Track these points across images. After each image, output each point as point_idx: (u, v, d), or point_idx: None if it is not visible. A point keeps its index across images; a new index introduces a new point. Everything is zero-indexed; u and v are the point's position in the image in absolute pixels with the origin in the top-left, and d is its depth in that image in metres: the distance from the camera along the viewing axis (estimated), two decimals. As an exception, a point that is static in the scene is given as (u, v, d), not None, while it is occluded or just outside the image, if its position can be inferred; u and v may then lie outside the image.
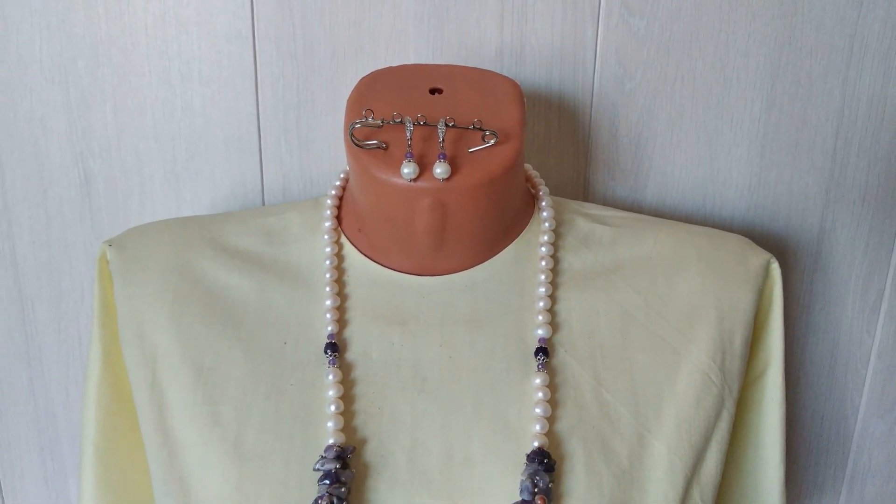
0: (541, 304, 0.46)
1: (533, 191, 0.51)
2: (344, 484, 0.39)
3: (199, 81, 0.59)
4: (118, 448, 0.50)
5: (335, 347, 0.44)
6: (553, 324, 0.45)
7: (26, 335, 0.66)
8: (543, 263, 0.47)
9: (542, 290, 0.46)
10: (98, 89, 0.59)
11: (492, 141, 0.42)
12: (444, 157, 0.41)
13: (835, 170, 0.62)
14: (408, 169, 0.41)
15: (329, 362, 0.43)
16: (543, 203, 0.49)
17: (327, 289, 0.46)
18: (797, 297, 0.65)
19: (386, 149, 0.43)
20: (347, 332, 0.45)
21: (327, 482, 0.38)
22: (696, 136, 0.61)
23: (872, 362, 0.68)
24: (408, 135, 0.42)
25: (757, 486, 0.51)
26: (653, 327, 0.46)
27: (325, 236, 0.48)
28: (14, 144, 0.61)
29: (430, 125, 0.42)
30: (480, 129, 0.42)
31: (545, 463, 0.39)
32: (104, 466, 0.50)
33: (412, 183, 0.42)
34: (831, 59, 0.59)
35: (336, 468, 0.39)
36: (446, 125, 0.42)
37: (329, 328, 0.44)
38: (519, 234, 0.48)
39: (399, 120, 0.42)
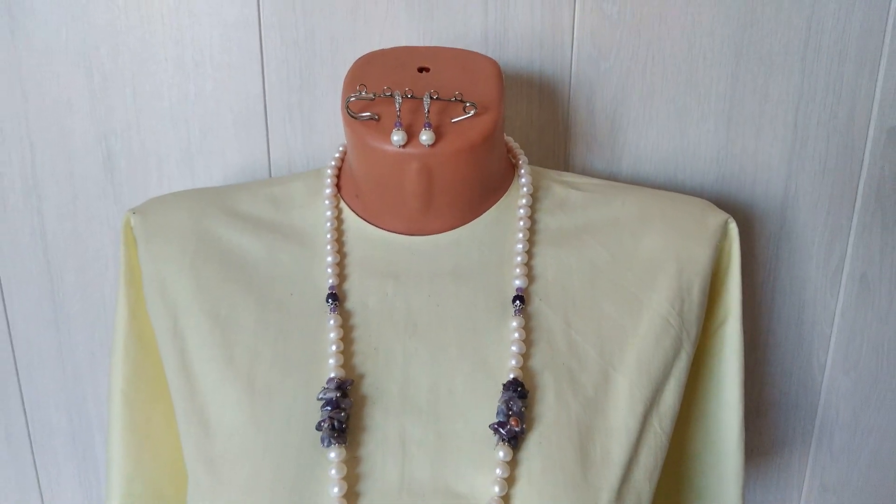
0: (518, 258, 0.51)
1: (514, 160, 0.56)
2: (343, 410, 0.44)
3: (210, 67, 0.64)
4: (143, 394, 0.56)
5: (336, 297, 0.49)
6: (529, 276, 0.51)
7: (54, 302, 0.71)
8: (521, 223, 0.52)
9: (520, 246, 0.51)
10: (118, 75, 0.64)
11: (472, 112, 0.48)
12: (430, 126, 0.47)
13: (796, 142, 0.67)
14: (397, 136, 0.47)
15: (330, 310, 0.49)
16: (522, 171, 0.55)
17: (328, 247, 0.51)
18: (764, 261, 0.70)
19: (378, 120, 0.48)
20: (346, 285, 0.50)
21: (329, 408, 0.44)
22: (667, 112, 0.66)
23: (837, 322, 0.72)
24: (397, 107, 0.47)
25: (718, 424, 0.56)
26: (619, 279, 0.51)
27: (326, 202, 0.53)
28: (42, 126, 0.66)
29: (416, 98, 0.48)
30: (461, 101, 0.48)
31: (519, 391, 0.45)
32: (131, 411, 0.56)
33: (401, 149, 0.47)
34: (790, 39, 0.64)
35: (337, 396, 0.44)
36: (431, 98, 0.47)
37: (330, 281, 0.50)
38: (500, 199, 0.53)
39: (389, 94, 0.48)
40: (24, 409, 0.75)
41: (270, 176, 0.67)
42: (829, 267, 0.70)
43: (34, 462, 0.77)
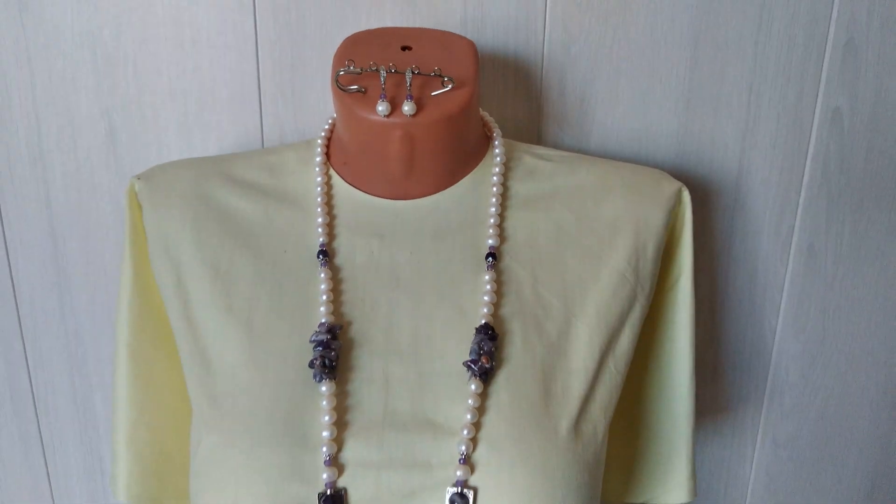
0: (491, 220, 0.56)
1: (488, 133, 0.62)
2: (333, 350, 0.49)
3: (207, 46, 0.69)
4: (146, 346, 0.61)
5: (326, 254, 0.54)
6: (501, 236, 0.56)
7: (58, 267, 0.76)
8: (495, 189, 0.58)
9: (493, 210, 0.57)
10: (121, 53, 0.69)
11: (450, 86, 0.53)
12: (411, 98, 0.52)
13: (749, 120, 0.72)
14: (381, 107, 0.52)
15: (321, 264, 0.54)
16: (496, 143, 0.60)
17: (318, 209, 0.56)
18: (719, 232, 0.76)
19: (364, 92, 0.53)
20: (335, 243, 0.56)
21: (320, 348, 0.49)
22: (631, 93, 0.71)
23: (786, 289, 0.79)
24: (382, 80, 0.52)
25: (671, 371, 0.62)
26: (582, 239, 0.57)
27: (317, 168, 0.58)
28: (49, 101, 0.70)
29: (399, 73, 0.53)
30: (440, 76, 0.53)
31: (489, 334, 0.50)
32: (135, 361, 0.60)
33: (386, 119, 0.52)
34: (744, 26, 0.69)
35: (327, 338, 0.50)
36: (413, 73, 0.53)
37: (321, 239, 0.55)
38: (475, 167, 0.59)
39: (375, 68, 0.53)
40: (28, 369, 0.79)
41: (260, 148, 0.71)
42: (779, 237, 0.76)
43: (37, 420, 0.81)
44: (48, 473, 0.83)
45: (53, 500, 0.84)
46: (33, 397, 0.80)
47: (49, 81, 0.69)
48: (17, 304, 0.77)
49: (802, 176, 0.74)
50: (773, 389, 0.82)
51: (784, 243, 0.76)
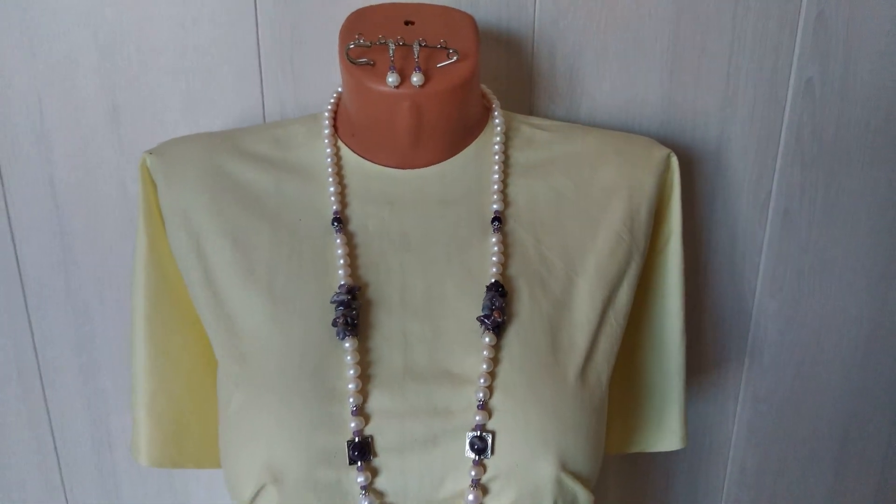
0: (495, 187, 0.59)
1: (488, 105, 0.65)
2: (354, 309, 0.52)
3: (208, 24, 0.70)
4: (163, 317, 0.63)
5: (340, 221, 0.57)
6: (504, 201, 0.59)
7: (63, 246, 0.77)
8: (497, 157, 0.61)
9: (496, 177, 0.60)
10: (123, 32, 0.70)
11: (454, 57, 0.56)
12: (420, 69, 0.55)
13: (728, 91, 0.76)
14: (391, 78, 0.54)
15: (336, 230, 0.56)
16: (496, 114, 0.63)
17: (330, 179, 0.59)
18: (701, 197, 0.80)
19: (374, 65, 0.56)
20: (348, 211, 0.58)
21: (342, 308, 0.52)
22: (618, 66, 0.75)
23: (765, 251, 0.83)
24: (391, 53, 0.55)
25: (663, 328, 0.66)
26: (580, 203, 0.60)
27: (326, 140, 0.61)
28: (52, 81, 0.71)
29: (407, 45, 0.56)
30: (445, 49, 0.56)
31: (500, 290, 0.53)
32: (152, 332, 0.62)
33: (395, 90, 0.55)
34: (722, 1, 0.73)
35: (348, 298, 0.52)
36: (420, 45, 0.55)
37: (334, 207, 0.58)
38: (477, 137, 0.61)
39: (384, 41, 0.55)
40: (35, 347, 0.81)
41: (265, 122, 0.73)
42: (758, 202, 0.81)
43: (44, 397, 0.83)
44: (55, 448, 0.85)
45: (62, 475, 0.86)
46: (40, 375, 0.82)
47: (51, 62, 0.71)
48: (22, 283, 0.78)
49: (778, 144, 0.79)
50: (753, 348, 0.87)
51: (762, 208, 0.81)
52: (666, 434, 0.67)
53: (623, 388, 0.67)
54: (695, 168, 0.79)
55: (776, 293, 0.85)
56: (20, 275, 0.78)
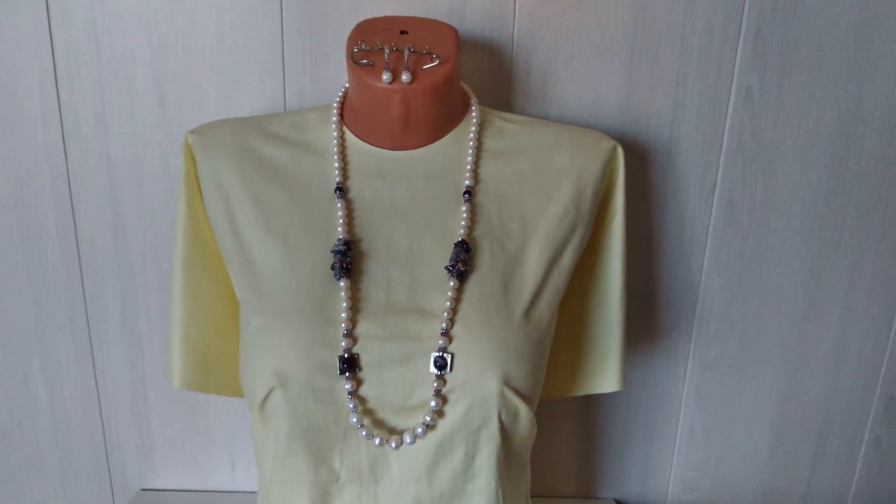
0: (468, 167, 0.73)
1: (468, 101, 0.78)
2: (349, 258, 0.66)
3: (242, 29, 0.84)
4: (197, 265, 0.76)
5: (342, 190, 0.71)
6: (475, 179, 0.73)
7: (114, 211, 0.91)
8: (471, 144, 0.74)
9: (470, 159, 0.73)
10: (172, 32, 0.84)
11: (437, 61, 0.70)
12: (408, 70, 0.69)
13: (678, 96, 0.89)
14: (385, 76, 0.68)
15: (338, 197, 0.70)
16: (473, 108, 0.76)
17: (335, 157, 0.73)
18: (654, 187, 0.93)
19: (372, 66, 0.70)
20: (349, 183, 0.72)
21: (339, 255, 0.66)
22: (584, 73, 0.88)
23: (710, 234, 0.95)
24: (385, 56, 0.69)
25: (606, 289, 0.78)
26: (537, 181, 0.73)
27: (333, 126, 0.75)
28: (111, 73, 0.86)
29: (399, 50, 0.70)
30: (430, 54, 0.69)
31: (465, 247, 0.67)
32: (188, 277, 0.76)
33: (388, 86, 0.69)
34: (673, 21, 0.85)
35: (344, 249, 0.66)
36: (409, 51, 0.69)
37: (337, 179, 0.71)
38: (456, 127, 0.75)
39: (381, 47, 0.69)
40: (84, 298, 0.95)
41: (285, 111, 0.87)
42: (704, 192, 0.93)
43: (90, 342, 0.97)
44: (97, 384, 0.99)
45: (101, 408, 1.00)
46: (88, 324, 0.96)
47: (111, 57, 0.85)
48: (77, 242, 0.92)
49: (722, 142, 0.91)
50: (701, 320, 0.98)
51: (707, 197, 0.93)
52: (608, 378, 0.80)
53: (572, 338, 0.80)
54: (649, 162, 0.91)
55: (721, 272, 0.96)
56: (76, 234, 0.92)
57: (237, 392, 0.78)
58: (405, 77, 0.68)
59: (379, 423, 0.64)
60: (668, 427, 1.02)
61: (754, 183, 0.92)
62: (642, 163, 0.91)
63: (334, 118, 0.75)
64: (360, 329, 0.64)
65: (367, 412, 0.63)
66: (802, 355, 1.00)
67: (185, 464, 1.02)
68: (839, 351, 1.00)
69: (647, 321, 0.97)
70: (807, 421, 1.03)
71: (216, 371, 0.78)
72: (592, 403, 1.01)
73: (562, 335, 0.77)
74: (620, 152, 0.77)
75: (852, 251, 0.95)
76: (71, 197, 0.90)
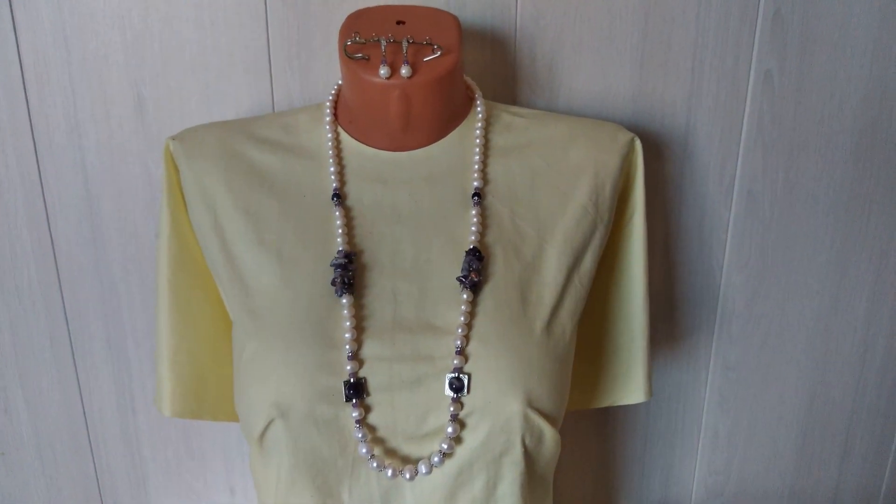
0: (476, 167, 0.67)
1: (471, 95, 0.72)
2: (350, 271, 0.60)
3: (223, 25, 0.78)
4: (184, 282, 0.71)
5: (339, 196, 0.65)
6: (484, 179, 0.67)
7: (93, 225, 0.85)
8: (478, 141, 0.68)
9: (477, 157, 0.68)
10: (147, 32, 0.78)
11: (438, 52, 0.64)
12: (407, 63, 0.63)
13: (693, 83, 0.84)
14: (383, 70, 0.62)
15: (336, 204, 0.64)
16: (478, 102, 0.71)
17: (330, 160, 0.67)
18: (671, 180, 0.88)
19: (368, 60, 0.64)
20: (346, 188, 0.66)
21: (340, 269, 0.60)
22: (592, 60, 0.82)
23: (730, 229, 0.90)
24: (382, 48, 0.63)
25: (629, 293, 0.73)
26: (552, 180, 0.68)
27: (327, 126, 0.69)
28: (84, 76, 0.80)
29: (397, 42, 0.64)
30: (430, 45, 0.64)
31: (477, 255, 0.61)
32: (175, 295, 0.71)
33: (386, 81, 0.63)
34: (687, 1, 0.80)
35: (345, 262, 0.60)
36: (408, 42, 0.63)
37: (334, 185, 0.66)
38: (461, 123, 0.69)
39: (377, 39, 0.63)
40: (66, 318, 0.89)
41: (274, 112, 0.81)
42: (723, 184, 0.88)
43: (75, 364, 0.91)
44: (84, 411, 0.93)
45: (89, 436, 0.94)
46: (71, 345, 0.90)
47: (83, 58, 0.79)
48: (55, 260, 0.86)
49: (741, 130, 0.86)
50: (722, 319, 0.94)
51: (727, 189, 0.88)
52: (633, 389, 0.75)
53: (592, 347, 0.75)
54: (664, 153, 0.86)
55: (742, 268, 0.92)
56: (54, 251, 0.86)
57: (233, 417, 0.72)
58: (404, 71, 0.62)
59: (391, 453, 0.58)
60: (691, 431, 0.98)
61: (775, 172, 0.87)
62: (657, 155, 0.86)
63: (327, 118, 0.69)
64: (366, 350, 0.59)
65: (377, 441, 0.58)
66: (828, 352, 0.96)
67: (181, 491, 0.96)
68: (866, 346, 0.96)
69: (666, 322, 0.93)
70: (834, 420, 1.00)
71: (209, 397, 0.73)
72: (611, 411, 0.97)
73: (580, 343, 0.72)
74: (639, 145, 0.71)
75: (880, 240, 0.91)
76: (46, 211, 0.84)
